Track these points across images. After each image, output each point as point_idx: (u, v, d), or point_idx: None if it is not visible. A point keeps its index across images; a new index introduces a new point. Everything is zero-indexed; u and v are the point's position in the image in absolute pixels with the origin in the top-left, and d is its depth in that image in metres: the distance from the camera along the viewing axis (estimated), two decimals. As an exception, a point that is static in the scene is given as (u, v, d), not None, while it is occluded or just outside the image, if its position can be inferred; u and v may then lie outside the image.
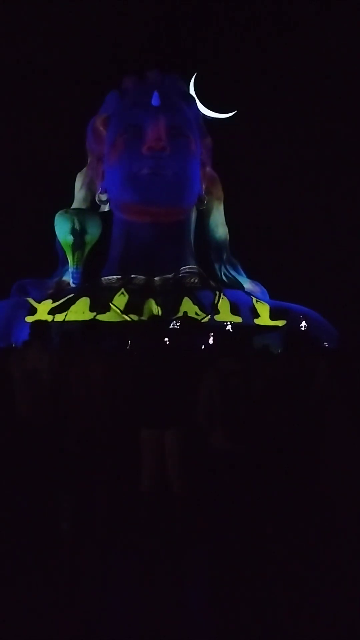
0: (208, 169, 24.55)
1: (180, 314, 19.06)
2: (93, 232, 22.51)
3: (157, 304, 19.55)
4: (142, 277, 21.59)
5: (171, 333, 12.45)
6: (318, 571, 5.38)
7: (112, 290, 20.54)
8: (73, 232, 22.16)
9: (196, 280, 22.09)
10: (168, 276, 21.85)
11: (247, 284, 23.48)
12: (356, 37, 26.89)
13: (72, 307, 19.78)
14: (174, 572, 5.56)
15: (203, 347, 12.34)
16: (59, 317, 19.25)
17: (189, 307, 19.55)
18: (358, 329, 16.24)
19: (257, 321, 20.30)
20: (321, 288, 24.33)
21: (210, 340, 12.98)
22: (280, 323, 19.91)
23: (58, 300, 20.14)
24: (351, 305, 23.30)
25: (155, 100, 22.06)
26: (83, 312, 19.33)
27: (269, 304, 21.26)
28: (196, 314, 19.36)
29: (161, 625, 4.67)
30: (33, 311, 19.93)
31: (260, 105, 27.08)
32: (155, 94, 22.12)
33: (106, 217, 23.91)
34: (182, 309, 19.39)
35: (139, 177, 21.94)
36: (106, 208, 24.02)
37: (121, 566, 5.81)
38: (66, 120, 25.81)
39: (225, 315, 19.92)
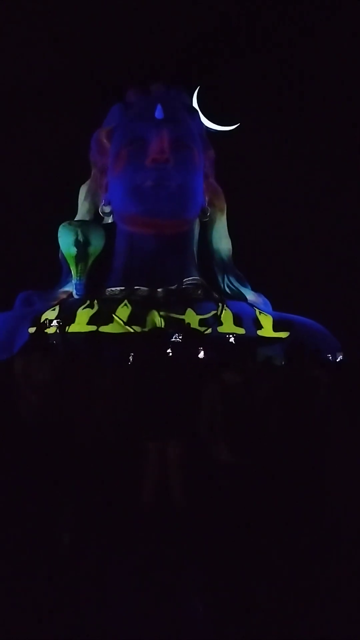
0: (211, 180, 24.59)
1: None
2: (96, 244, 22.52)
3: (160, 316, 19.50)
4: (145, 288, 21.57)
5: (174, 344, 12.40)
6: (320, 585, 5.34)
7: (115, 302, 20.51)
8: (76, 243, 22.16)
9: (199, 292, 22.06)
10: (171, 288, 21.83)
11: (250, 295, 23.44)
12: None
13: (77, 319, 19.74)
14: (174, 584, 5.52)
15: (206, 358, 12.28)
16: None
17: (192, 318, 19.52)
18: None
19: (260, 333, 20.24)
20: (325, 300, 24.29)
21: (213, 352, 12.93)
22: (283, 335, 19.85)
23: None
24: (355, 317, 23.26)
25: (158, 113, 22.16)
26: (86, 324, 19.29)
27: (272, 316, 21.21)
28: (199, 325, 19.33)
29: (159, 637, 4.64)
30: (36, 323, 19.84)
31: (263, 118, 27.19)
32: (159, 107, 22.22)
33: (110, 229, 23.93)
34: (185, 320, 19.36)
35: (142, 188, 21.98)
36: (110, 220, 24.06)
37: (121, 577, 5.78)
38: (70, 132, 25.94)
39: (229, 326, 19.87)
